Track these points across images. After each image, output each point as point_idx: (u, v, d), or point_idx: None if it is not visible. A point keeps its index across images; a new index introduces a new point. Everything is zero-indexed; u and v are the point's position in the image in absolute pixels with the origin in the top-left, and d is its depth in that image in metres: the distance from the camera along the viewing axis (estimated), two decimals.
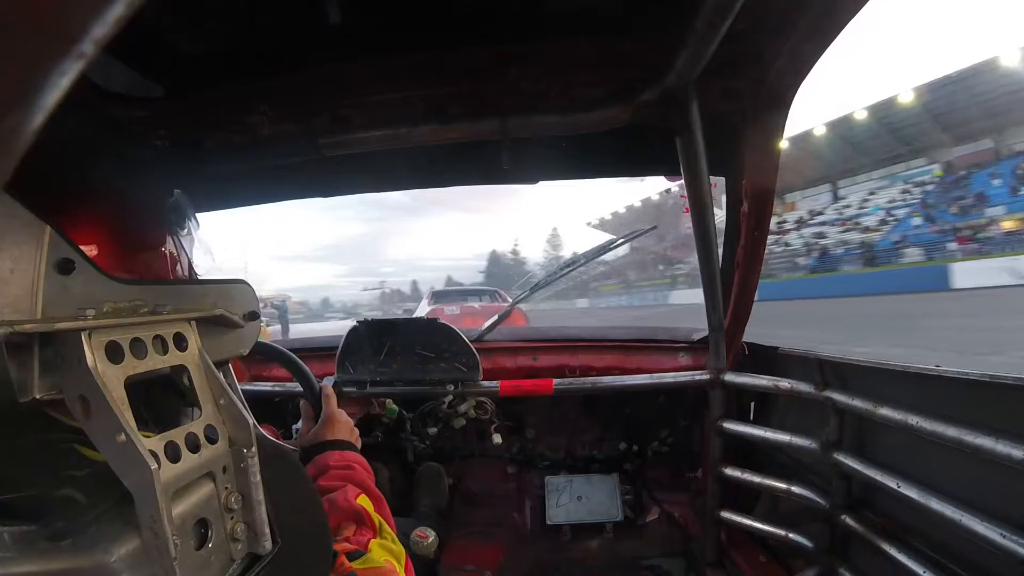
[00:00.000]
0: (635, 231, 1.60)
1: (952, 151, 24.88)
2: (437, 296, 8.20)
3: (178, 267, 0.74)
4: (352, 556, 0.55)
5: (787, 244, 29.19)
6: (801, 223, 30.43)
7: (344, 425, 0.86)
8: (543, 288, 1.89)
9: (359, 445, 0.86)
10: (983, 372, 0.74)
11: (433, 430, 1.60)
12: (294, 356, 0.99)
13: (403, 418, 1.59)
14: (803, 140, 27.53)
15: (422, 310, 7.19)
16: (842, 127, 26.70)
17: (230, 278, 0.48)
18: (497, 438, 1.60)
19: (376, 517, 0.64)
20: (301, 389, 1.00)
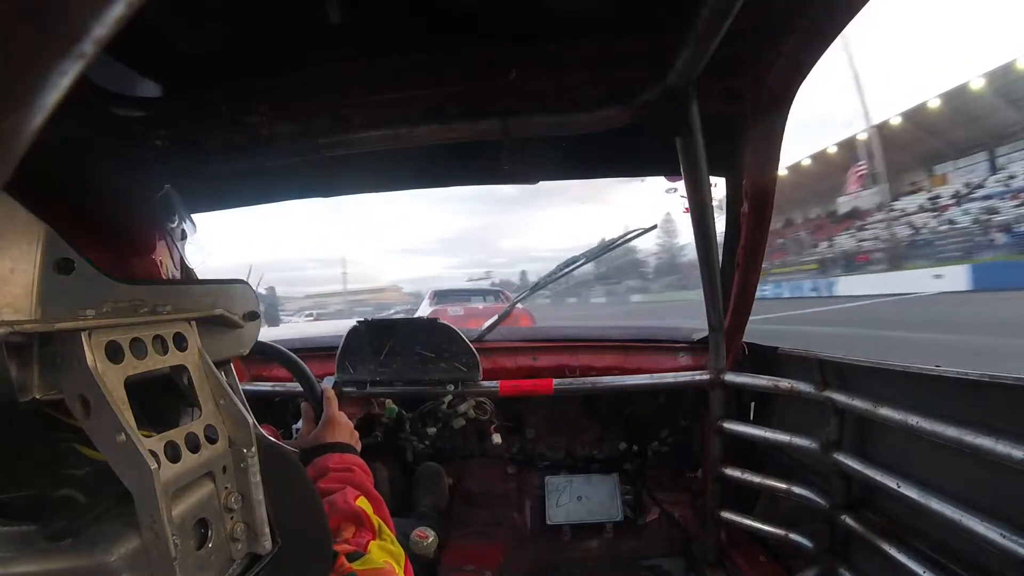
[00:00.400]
0: (635, 231, 1.59)
1: None
2: (440, 296, 8.02)
3: (172, 265, 0.74)
4: (351, 557, 0.55)
5: (951, 222, 22.65)
6: (960, 197, 23.83)
7: (344, 428, 0.86)
8: (542, 288, 1.89)
9: (359, 448, 0.86)
10: (983, 372, 0.74)
11: (432, 430, 1.60)
12: (295, 357, 0.99)
13: (403, 418, 1.59)
14: (956, 97, 21.82)
15: (423, 311, 7.10)
16: (1002, 79, 20.15)
17: (230, 278, 0.48)
18: (497, 438, 1.60)
19: (375, 519, 0.64)
20: (301, 389, 1.00)
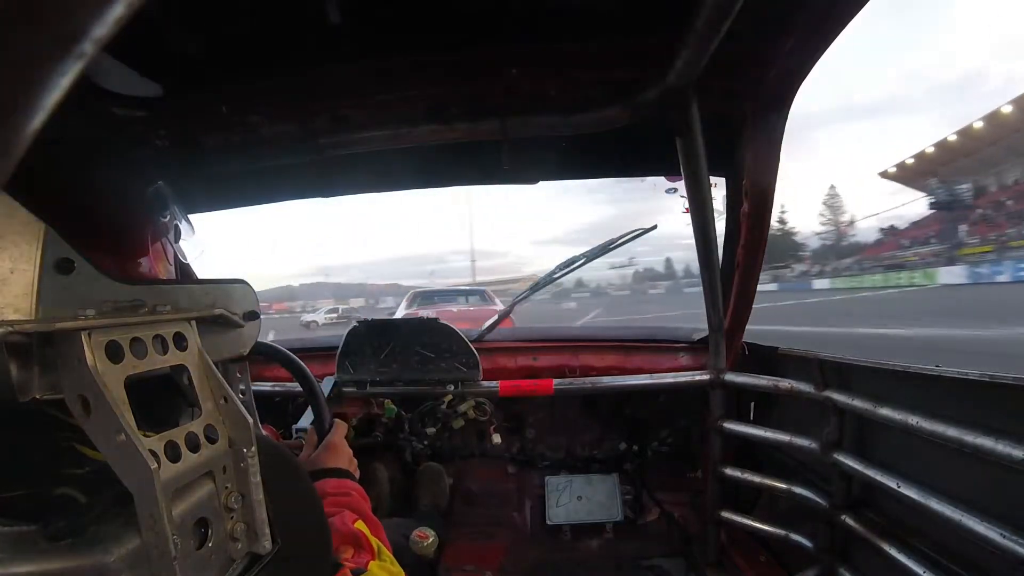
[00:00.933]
0: (635, 231, 1.59)
1: None
2: (420, 297, 7.82)
3: (168, 263, 0.73)
4: (355, 572, 0.55)
5: None
6: None
7: (344, 454, 0.87)
8: (543, 287, 1.88)
9: (357, 475, 0.86)
10: (983, 372, 0.74)
11: (431, 430, 1.60)
12: (294, 357, 0.98)
13: (402, 418, 1.59)
14: None
15: (400, 312, 6.99)
16: None
17: (230, 278, 0.48)
18: (496, 438, 1.60)
19: (374, 541, 0.65)
20: (301, 389, 1.00)
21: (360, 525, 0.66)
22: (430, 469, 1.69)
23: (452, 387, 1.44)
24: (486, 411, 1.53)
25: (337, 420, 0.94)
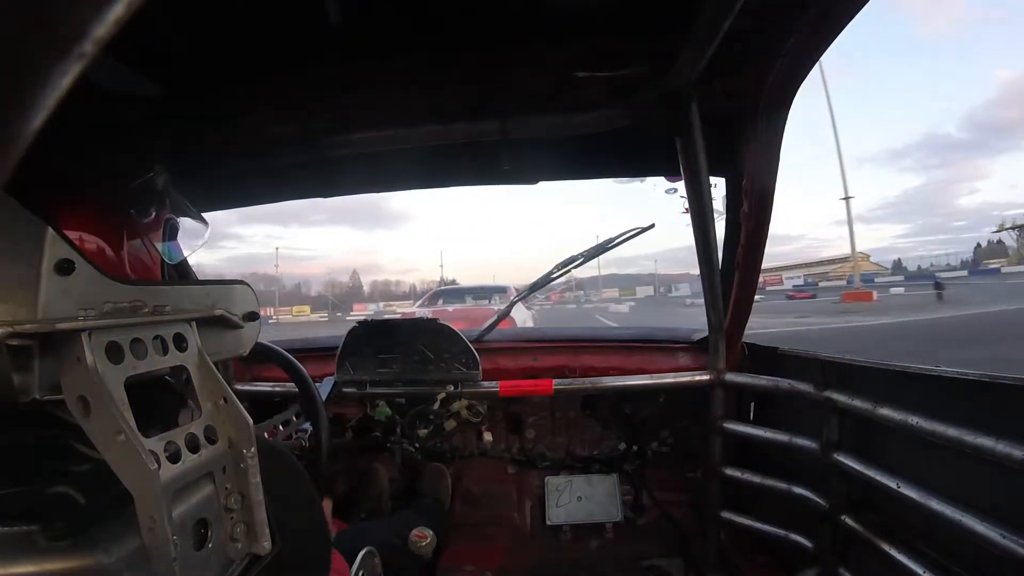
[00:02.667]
0: (633, 230, 1.59)
1: None
2: (440, 296, 7.84)
3: (149, 257, 0.73)
4: None
5: None
6: None
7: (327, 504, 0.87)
8: (541, 288, 1.88)
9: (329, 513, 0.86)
10: (983, 372, 0.74)
11: (424, 432, 1.59)
12: (292, 358, 0.98)
13: (395, 420, 1.58)
14: None
15: (419, 309, 6.94)
16: None
17: (230, 279, 0.48)
18: (488, 436, 1.58)
19: None
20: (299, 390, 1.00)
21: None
22: (433, 468, 1.69)
23: (452, 387, 1.44)
24: (479, 412, 1.52)
25: (325, 498, 0.94)
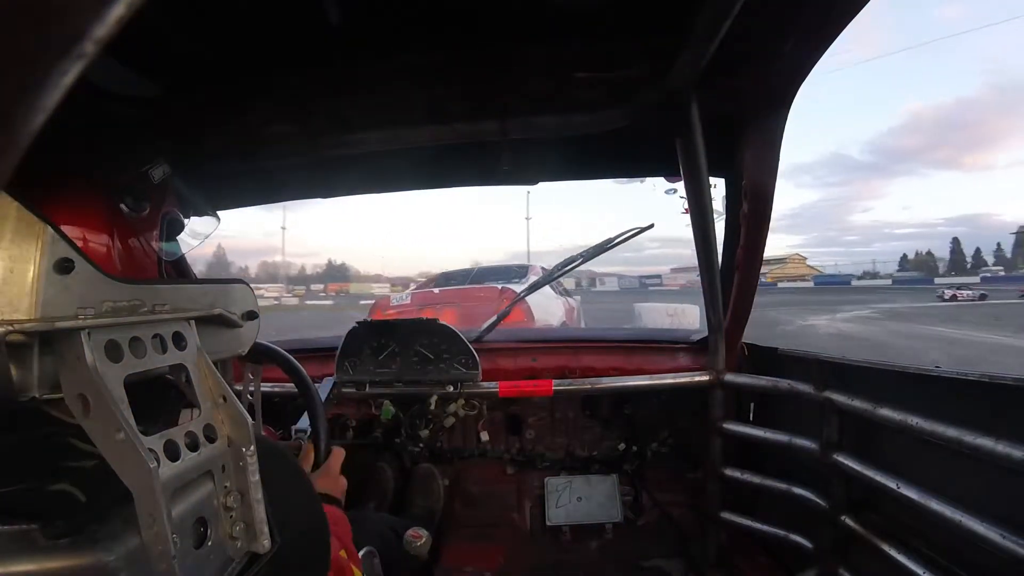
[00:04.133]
0: (632, 230, 1.59)
1: None
2: (441, 279, 6.77)
3: (146, 253, 0.72)
4: None
5: None
6: None
7: (340, 484, 0.88)
8: (542, 286, 1.88)
9: (343, 503, 0.87)
10: (983, 372, 0.74)
11: (425, 431, 1.59)
12: (291, 358, 0.98)
13: (400, 420, 1.59)
14: None
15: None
16: None
17: (229, 278, 0.48)
18: (485, 435, 1.58)
19: (357, 572, 0.66)
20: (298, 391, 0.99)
21: (343, 554, 0.67)
22: (422, 470, 1.68)
23: (451, 388, 1.44)
24: (475, 406, 1.52)
25: (335, 448, 0.94)
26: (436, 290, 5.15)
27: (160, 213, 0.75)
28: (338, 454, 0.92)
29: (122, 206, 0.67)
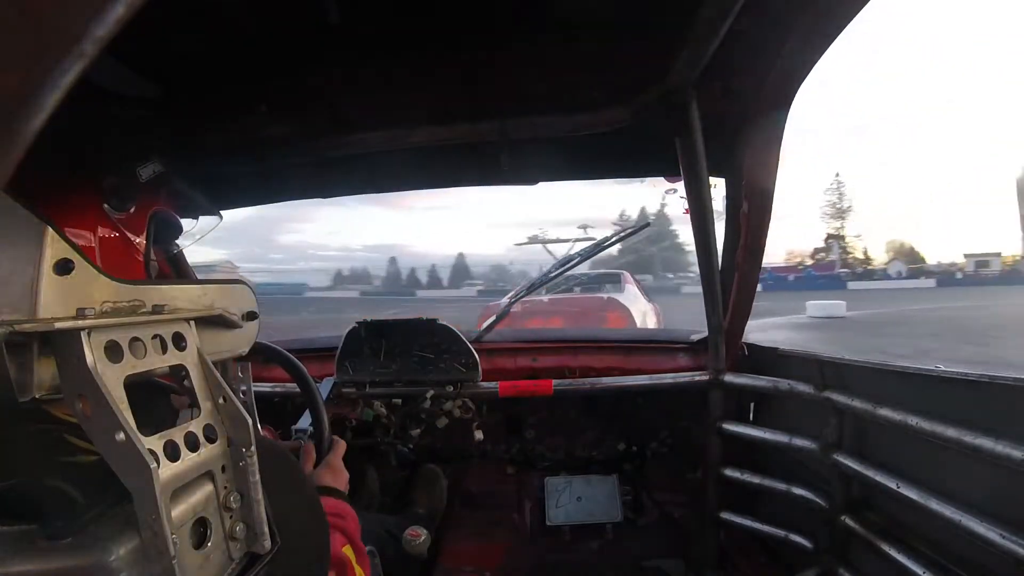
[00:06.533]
0: (629, 228, 1.60)
1: None
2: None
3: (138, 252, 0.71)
4: None
5: None
6: None
7: (343, 476, 0.87)
8: (539, 287, 1.88)
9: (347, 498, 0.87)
10: (983, 372, 0.74)
11: (416, 432, 1.58)
12: (292, 358, 0.98)
13: (390, 422, 1.57)
14: None
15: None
16: None
17: (229, 278, 0.48)
18: (479, 435, 1.58)
19: (358, 569, 0.65)
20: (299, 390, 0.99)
21: (347, 550, 0.67)
22: (427, 471, 1.68)
23: (451, 388, 1.44)
24: (469, 408, 1.51)
25: (337, 439, 0.94)
26: (546, 298, 4.74)
27: (148, 212, 0.73)
28: (340, 446, 0.92)
29: (105, 205, 0.66)
